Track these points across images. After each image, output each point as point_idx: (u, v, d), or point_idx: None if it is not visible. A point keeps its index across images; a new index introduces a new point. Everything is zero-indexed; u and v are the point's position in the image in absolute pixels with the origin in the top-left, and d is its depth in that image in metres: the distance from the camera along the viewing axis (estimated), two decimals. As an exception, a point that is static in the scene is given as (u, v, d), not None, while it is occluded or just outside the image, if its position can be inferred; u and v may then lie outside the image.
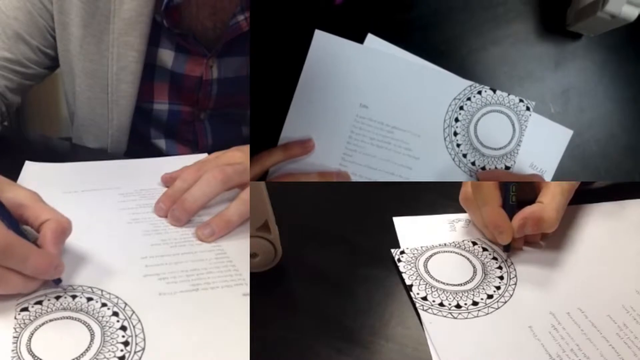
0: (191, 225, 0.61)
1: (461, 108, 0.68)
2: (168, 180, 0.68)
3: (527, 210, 0.57)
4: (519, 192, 0.59)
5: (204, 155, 0.72)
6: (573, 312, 0.52)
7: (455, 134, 0.68)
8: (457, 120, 0.68)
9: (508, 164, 0.69)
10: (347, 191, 0.70)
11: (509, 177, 0.66)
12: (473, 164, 0.68)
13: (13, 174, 0.68)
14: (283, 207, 0.57)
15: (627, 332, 0.50)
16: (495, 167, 0.68)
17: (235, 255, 0.57)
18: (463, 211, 0.63)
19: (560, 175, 0.69)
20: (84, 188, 0.67)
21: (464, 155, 0.68)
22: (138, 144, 0.89)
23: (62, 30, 0.81)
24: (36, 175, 0.69)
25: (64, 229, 0.51)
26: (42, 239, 0.50)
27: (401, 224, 0.63)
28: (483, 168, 0.68)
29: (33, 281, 0.48)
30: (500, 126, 0.69)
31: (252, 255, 0.56)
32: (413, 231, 0.62)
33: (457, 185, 0.63)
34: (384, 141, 0.68)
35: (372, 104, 0.68)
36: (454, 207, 0.64)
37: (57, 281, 0.50)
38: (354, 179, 0.67)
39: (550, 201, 0.58)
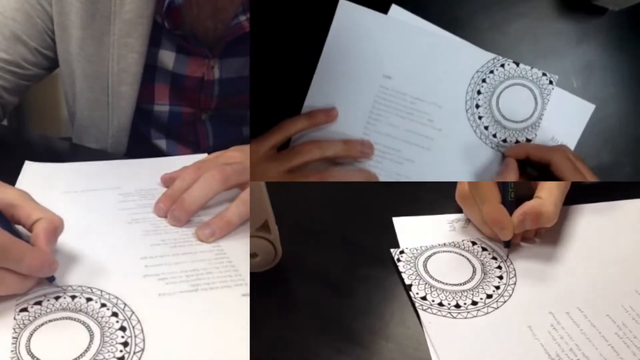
0: (191, 226, 0.61)
1: (484, 81, 0.68)
2: (168, 181, 0.68)
3: (526, 205, 0.57)
4: (517, 188, 0.59)
5: (204, 156, 0.72)
6: (572, 312, 0.52)
7: (477, 106, 0.68)
8: (479, 92, 0.68)
9: (529, 137, 0.69)
10: (347, 191, 0.70)
11: (536, 150, 0.65)
12: (494, 136, 0.68)
13: (13, 174, 0.68)
14: (283, 207, 0.57)
15: (626, 331, 0.50)
16: (517, 140, 0.68)
17: (235, 256, 0.57)
18: (462, 211, 0.63)
19: (580, 149, 0.69)
20: (84, 188, 0.68)
21: (486, 128, 0.68)
22: (139, 145, 0.89)
23: (62, 32, 0.81)
24: (36, 175, 0.69)
25: (56, 227, 0.51)
26: (34, 237, 0.50)
27: (401, 224, 0.64)
28: (504, 140, 0.68)
29: (28, 280, 0.48)
30: (522, 99, 0.69)
31: (252, 255, 0.57)
32: (412, 231, 0.63)
33: (456, 185, 0.63)
34: (407, 112, 0.68)
35: (395, 74, 0.68)
36: (453, 207, 0.64)
37: (51, 279, 0.50)
38: (376, 148, 0.67)
39: (548, 196, 0.58)
